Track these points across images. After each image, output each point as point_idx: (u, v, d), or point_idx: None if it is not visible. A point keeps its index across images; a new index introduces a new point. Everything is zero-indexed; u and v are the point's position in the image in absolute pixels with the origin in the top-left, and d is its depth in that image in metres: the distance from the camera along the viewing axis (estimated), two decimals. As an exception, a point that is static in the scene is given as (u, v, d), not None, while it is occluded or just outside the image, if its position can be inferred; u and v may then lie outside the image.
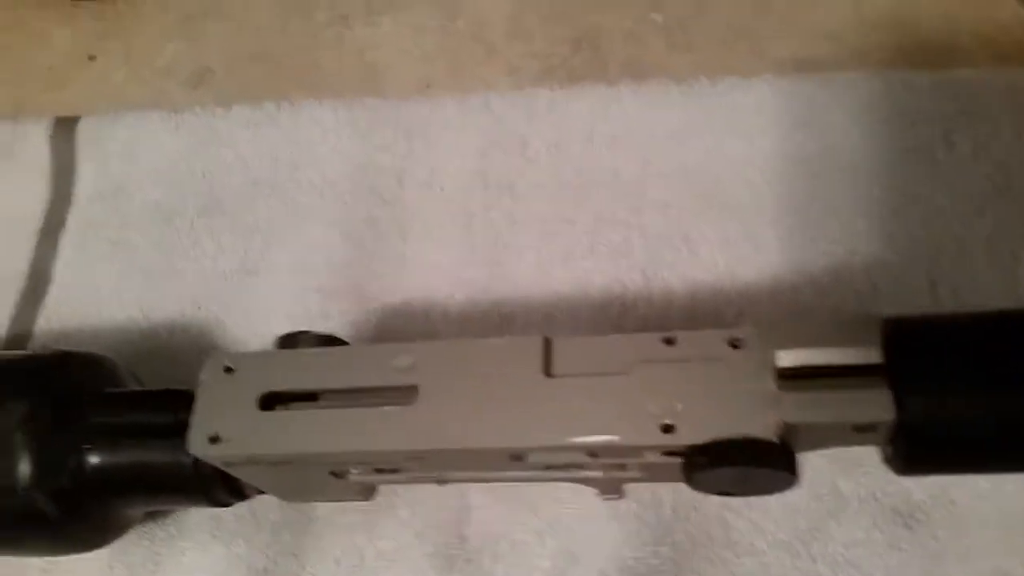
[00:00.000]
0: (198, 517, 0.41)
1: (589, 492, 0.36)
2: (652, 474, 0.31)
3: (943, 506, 0.36)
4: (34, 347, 0.46)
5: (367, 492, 0.37)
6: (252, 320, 0.45)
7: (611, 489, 0.34)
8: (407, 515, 0.39)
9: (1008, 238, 0.40)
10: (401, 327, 0.43)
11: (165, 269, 0.47)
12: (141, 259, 0.47)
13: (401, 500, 0.40)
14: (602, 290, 0.43)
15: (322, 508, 0.40)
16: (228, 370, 0.32)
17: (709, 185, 0.43)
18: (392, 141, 0.47)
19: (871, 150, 0.43)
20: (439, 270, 0.44)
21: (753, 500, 0.37)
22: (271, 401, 0.32)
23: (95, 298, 0.47)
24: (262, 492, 0.36)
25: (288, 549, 0.40)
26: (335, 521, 0.40)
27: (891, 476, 0.36)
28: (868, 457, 0.37)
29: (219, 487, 0.34)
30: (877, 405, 0.26)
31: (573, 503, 0.38)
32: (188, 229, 0.47)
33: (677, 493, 0.38)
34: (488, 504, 0.39)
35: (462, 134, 0.47)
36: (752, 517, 0.37)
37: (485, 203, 0.45)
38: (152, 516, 0.41)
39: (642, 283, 0.42)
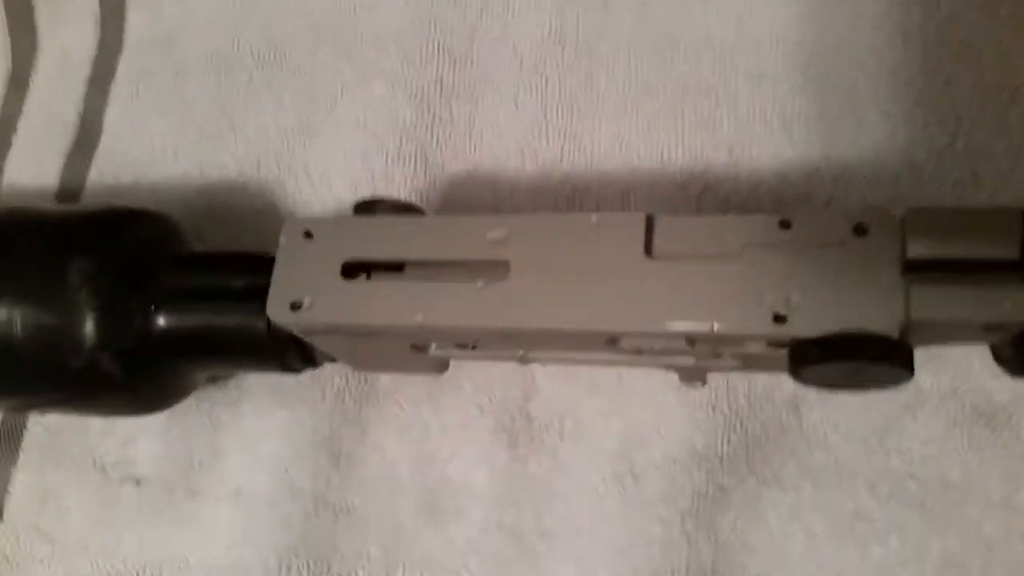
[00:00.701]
0: (259, 382, 0.40)
1: (660, 374, 0.35)
2: (749, 364, 0.30)
3: (1031, 406, 0.35)
4: (86, 201, 0.44)
5: (442, 367, 0.36)
6: (314, 182, 0.43)
7: (696, 376, 0.33)
8: (471, 389, 0.39)
9: None
10: (467, 197, 0.41)
11: (222, 124, 0.45)
12: (196, 113, 0.45)
13: (465, 374, 0.39)
14: (684, 167, 0.40)
15: (385, 378, 0.39)
16: (308, 235, 0.31)
17: (808, 55, 0.40)
18: (463, -8, 0.44)
19: (992, 31, 0.39)
20: (510, 138, 0.42)
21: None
22: (354, 269, 0.30)
23: (148, 152, 0.45)
24: (333, 360, 0.35)
25: (351, 417, 0.39)
26: (399, 392, 0.39)
27: (971, 373, 0.35)
28: (949, 351, 0.35)
29: (292, 353, 0.33)
30: (1011, 305, 0.24)
31: (642, 385, 0.37)
32: (246, 82, 0.45)
33: (752, 381, 0.37)
34: (554, 382, 0.38)
35: (539, -14, 0.43)
36: (826, 409, 0.36)
37: (561, 66, 0.42)
38: (212, 379, 0.40)
39: (728, 161, 0.40)
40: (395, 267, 0.30)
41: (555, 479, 0.37)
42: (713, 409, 0.37)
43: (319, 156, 0.43)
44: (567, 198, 0.41)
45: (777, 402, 0.36)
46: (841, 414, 0.36)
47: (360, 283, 0.30)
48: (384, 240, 0.30)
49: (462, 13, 0.44)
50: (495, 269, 0.29)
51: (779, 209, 0.39)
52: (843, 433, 0.36)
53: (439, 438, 0.39)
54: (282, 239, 0.31)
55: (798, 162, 0.39)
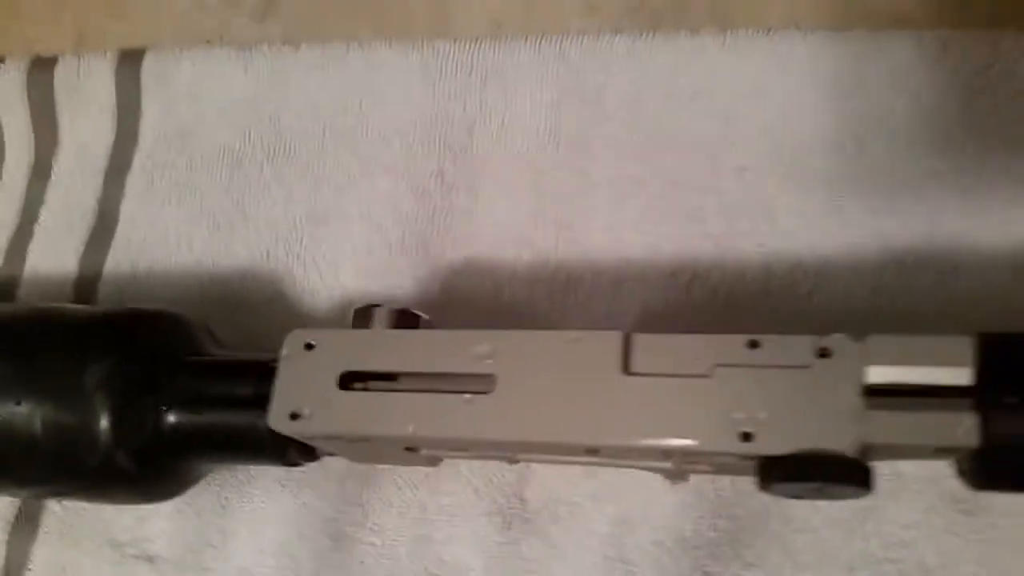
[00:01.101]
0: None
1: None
2: (722, 469, 0.31)
3: (1005, 496, 0.36)
4: (104, 289, 0.47)
5: (435, 461, 0.38)
6: (321, 271, 0.45)
7: (678, 475, 0.34)
8: (468, 473, 0.40)
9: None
10: (466, 286, 0.43)
11: (234, 215, 0.47)
12: (209, 203, 0.47)
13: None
14: (672, 257, 0.42)
15: (386, 462, 0.41)
16: (309, 347, 0.33)
17: (793, 149, 0.41)
18: (463, 89, 0.46)
19: (970, 117, 0.40)
20: (507, 228, 0.43)
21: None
22: (350, 379, 0.32)
23: (163, 242, 0.47)
24: (332, 454, 0.37)
25: (354, 499, 0.41)
26: (398, 474, 0.41)
27: (950, 461, 0.36)
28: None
29: (293, 451, 0.35)
30: (963, 431, 0.26)
31: (633, 471, 0.38)
32: (257, 174, 0.47)
33: (739, 467, 0.38)
34: (548, 467, 0.39)
35: (535, 83, 0.45)
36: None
37: (556, 160, 0.44)
38: (221, 463, 0.42)
39: (715, 252, 0.41)
40: (389, 377, 0.32)
41: (547, 563, 0.39)
42: (700, 495, 0.38)
43: (326, 246, 0.45)
44: (561, 287, 0.42)
45: (761, 488, 0.38)
46: (824, 498, 0.37)
47: (355, 394, 0.32)
48: (380, 352, 0.32)
49: (462, 107, 0.46)
50: (482, 381, 0.31)
51: (765, 298, 0.40)
52: (824, 517, 0.37)
53: (436, 520, 0.40)
54: (284, 351, 0.33)
55: (782, 252, 0.40)
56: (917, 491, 0.36)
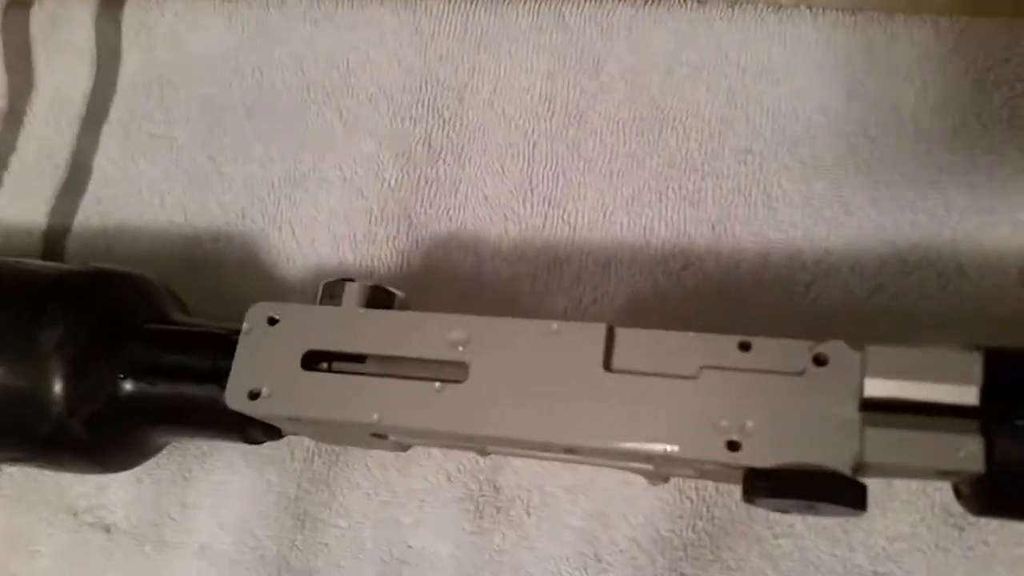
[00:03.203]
0: (232, 436, 0.40)
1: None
2: (706, 475, 0.30)
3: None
4: (73, 244, 0.45)
5: (404, 447, 0.36)
6: (297, 237, 0.43)
7: (659, 477, 0.32)
8: (441, 457, 0.38)
9: None
10: (448, 260, 0.41)
11: (211, 172, 0.44)
12: (186, 159, 0.45)
13: (438, 440, 0.39)
14: (666, 241, 0.40)
15: (357, 439, 0.39)
16: (272, 321, 0.31)
17: (798, 133, 0.39)
18: (456, 52, 0.44)
19: (984, 111, 0.38)
20: (494, 202, 0.42)
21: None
22: (314, 359, 0.30)
23: (136, 197, 0.45)
24: (297, 433, 0.35)
25: (320, 478, 0.39)
26: (368, 454, 0.39)
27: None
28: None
29: (255, 428, 0.34)
30: (966, 454, 0.24)
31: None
32: (237, 131, 0.45)
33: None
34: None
35: (531, 49, 0.43)
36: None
37: (549, 132, 0.42)
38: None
39: (711, 238, 0.39)
40: (356, 358, 0.30)
41: (519, 554, 0.37)
42: (681, 494, 0.37)
43: (304, 210, 0.43)
44: (547, 267, 0.40)
45: (745, 488, 0.36)
46: (810, 503, 0.36)
47: (319, 375, 0.30)
48: (348, 331, 0.30)
49: (454, 71, 0.43)
50: (455, 369, 0.29)
51: (760, 289, 0.38)
52: (809, 524, 0.35)
53: (405, 504, 0.39)
54: (245, 325, 0.31)
55: (780, 243, 0.39)
56: (907, 502, 0.35)
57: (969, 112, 0.38)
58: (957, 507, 0.34)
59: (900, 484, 0.35)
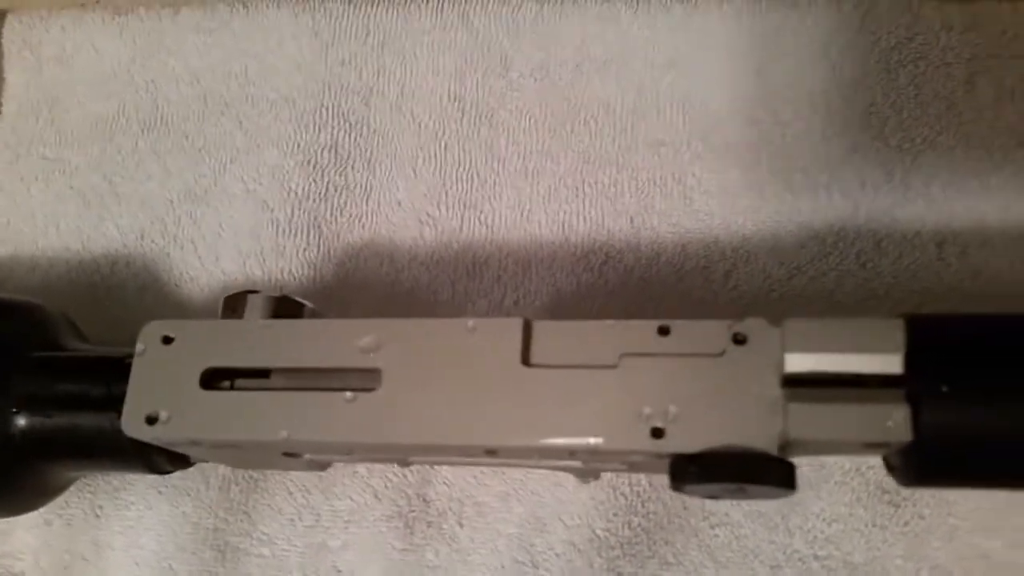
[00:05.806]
0: (143, 469, 0.38)
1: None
2: (635, 467, 0.29)
3: (932, 486, 0.34)
4: (-39, 276, 0.42)
5: (322, 466, 0.34)
6: (200, 255, 0.41)
7: (589, 474, 0.31)
8: (366, 474, 0.37)
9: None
10: (362, 269, 0.40)
11: (106, 193, 0.42)
12: (78, 181, 0.43)
13: (361, 457, 0.37)
14: (585, 237, 0.39)
15: (277, 462, 0.38)
16: (167, 340, 0.29)
17: (709, 123, 0.39)
18: (359, 55, 0.42)
19: (892, 90, 0.38)
20: (407, 207, 0.40)
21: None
22: (216, 377, 0.28)
23: (30, 223, 0.42)
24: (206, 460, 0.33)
25: (239, 507, 0.37)
26: (289, 478, 0.37)
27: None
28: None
29: (159, 456, 0.32)
30: (893, 424, 0.24)
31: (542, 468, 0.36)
32: (131, 149, 0.43)
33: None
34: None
35: (436, 49, 0.42)
36: (729, 486, 0.35)
37: (461, 133, 0.41)
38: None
39: (629, 231, 0.39)
40: (260, 373, 0.29)
41: (453, 569, 0.36)
42: (614, 491, 0.36)
43: (207, 227, 0.41)
44: (466, 271, 0.39)
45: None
46: (745, 491, 0.35)
47: (220, 395, 0.28)
48: (250, 345, 0.28)
49: (358, 75, 0.42)
50: (366, 377, 0.27)
51: (680, 280, 0.38)
52: (745, 511, 0.35)
53: (331, 526, 0.37)
54: (139, 346, 0.29)
55: (698, 232, 0.38)
56: (841, 482, 0.35)
57: (878, 91, 0.39)
58: (891, 484, 0.34)
59: (833, 465, 0.35)
